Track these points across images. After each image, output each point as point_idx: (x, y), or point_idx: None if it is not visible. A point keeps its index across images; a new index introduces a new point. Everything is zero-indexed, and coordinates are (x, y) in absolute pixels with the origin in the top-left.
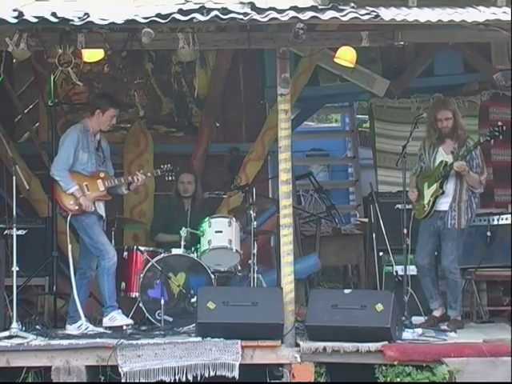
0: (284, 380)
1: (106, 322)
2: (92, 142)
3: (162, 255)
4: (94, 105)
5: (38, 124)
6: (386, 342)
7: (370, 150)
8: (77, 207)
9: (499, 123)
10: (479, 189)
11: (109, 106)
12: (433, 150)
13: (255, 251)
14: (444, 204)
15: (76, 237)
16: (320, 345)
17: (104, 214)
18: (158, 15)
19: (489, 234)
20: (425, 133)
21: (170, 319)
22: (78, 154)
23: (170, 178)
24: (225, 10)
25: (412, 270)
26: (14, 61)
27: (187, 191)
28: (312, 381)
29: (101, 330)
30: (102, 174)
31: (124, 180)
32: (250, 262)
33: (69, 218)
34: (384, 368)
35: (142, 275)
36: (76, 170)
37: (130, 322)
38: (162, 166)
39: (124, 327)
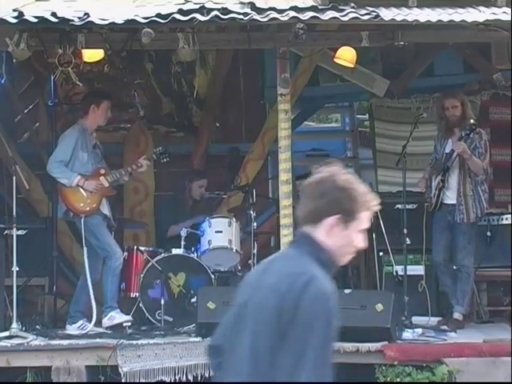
0: None
1: (106, 322)
2: (90, 142)
3: (162, 255)
4: (87, 103)
5: (37, 124)
6: (386, 342)
7: (370, 150)
8: (88, 208)
9: (471, 121)
10: (481, 175)
11: (102, 99)
12: (443, 141)
13: (255, 251)
14: (450, 197)
15: (77, 238)
16: None
17: (108, 213)
18: (158, 15)
19: (489, 234)
20: (425, 132)
21: (170, 319)
22: (77, 155)
23: (164, 160)
24: (225, 10)
25: (412, 269)
26: (14, 61)
27: (202, 194)
28: None
29: (101, 330)
30: (102, 171)
31: (124, 171)
32: (249, 262)
33: (82, 221)
34: (384, 368)
35: (142, 275)
36: (78, 172)
37: (130, 318)
38: (155, 150)
39: (124, 325)
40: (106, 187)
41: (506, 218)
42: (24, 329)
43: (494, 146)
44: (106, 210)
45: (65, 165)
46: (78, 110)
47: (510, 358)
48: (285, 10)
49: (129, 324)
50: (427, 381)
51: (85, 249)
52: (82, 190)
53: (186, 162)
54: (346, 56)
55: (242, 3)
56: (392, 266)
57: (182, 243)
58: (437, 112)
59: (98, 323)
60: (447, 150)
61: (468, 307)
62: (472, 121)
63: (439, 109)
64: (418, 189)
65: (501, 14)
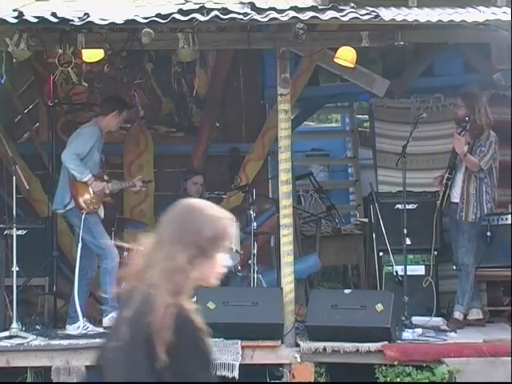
0: (284, 380)
1: (106, 321)
2: (102, 144)
3: None
4: (109, 107)
5: (37, 124)
6: (386, 342)
7: (370, 150)
8: (91, 207)
9: (466, 118)
10: (477, 172)
11: (124, 107)
12: None
13: (255, 251)
14: (456, 195)
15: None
16: (320, 345)
17: (103, 215)
18: (158, 15)
19: (489, 234)
20: (425, 132)
21: None
22: (93, 154)
23: (143, 189)
24: (225, 10)
25: (412, 269)
26: (14, 61)
27: (199, 192)
28: (312, 381)
29: (101, 330)
30: (105, 177)
31: (121, 184)
32: (249, 262)
33: (82, 217)
34: (384, 368)
35: None
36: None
37: None
38: (140, 176)
39: None
40: (105, 193)
41: (506, 218)
42: (24, 329)
43: None
44: (101, 213)
45: (80, 159)
46: (79, 110)
47: (510, 358)
48: (285, 10)
49: None
50: (427, 381)
51: (79, 245)
52: (89, 188)
53: (186, 162)
54: (345, 56)
55: (242, 3)
56: (392, 266)
57: None
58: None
59: (99, 323)
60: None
61: (468, 306)
62: (467, 118)
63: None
64: (429, 188)
65: (501, 14)
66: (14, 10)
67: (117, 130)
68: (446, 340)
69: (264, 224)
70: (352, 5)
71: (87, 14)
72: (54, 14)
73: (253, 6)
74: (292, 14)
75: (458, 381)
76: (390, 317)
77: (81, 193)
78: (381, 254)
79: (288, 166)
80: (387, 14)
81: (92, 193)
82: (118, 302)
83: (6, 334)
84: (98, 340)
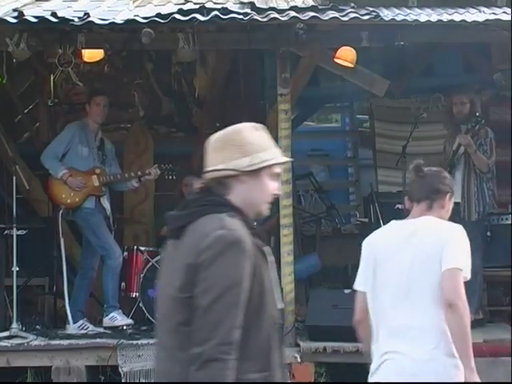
0: None
1: (106, 321)
2: (92, 139)
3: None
4: (84, 102)
5: (38, 124)
6: None
7: (370, 150)
8: (69, 201)
9: (477, 113)
10: (487, 172)
11: (92, 96)
12: (452, 140)
13: None
14: (455, 195)
15: (76, 237)
16: (320, 345)
17: (108, 209)
18: (158, 15)
19: (489, 234)
20: (425, 132)
21: None
22: (76, 149)
23: (170, 177)
24: (225, 10)
25: None
26: (14, 61)
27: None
28: (312, 381)
29: (101, 330)
30: (97, 170)
31: (120, 176)
32: None
33: (60, 213)
34: None
35: (142, 275)
36: (73, 167)
37: (131, 322)
38: (162, 166)
39: (124, 327)
40: (95, 186)
41: (506, 218)
42: (24, 329)
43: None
44: (106, 204)
45: (57, 157)
46: (79, 110)
47: (510, 358)
48: (285, 10)
49: (129, 327)
50: None
51: (61, 239)
52: (66, 184)
53: (186, 162)
54: (346, 56)
55: (242, 3)
56: None
57: None
58: (445, 109)
59: (99, 323)
60: (454, 148)
61: (479, 307)
62: (478, 113)
63: (448, 105)
64: None
65: (501, 13)
66: (14, 10)
67: (116, 130)
68: None
69: (264, 224)
70: (352, 5)
71: (87, 14)
72: (53, 14)
73: (253, 6)
74: (292, 13)
75: None
76: None
77: (57, 190)
78: None
79: (288, 166)
80: (387, 13)
81: (69, 188)
82: None
83: (6, 333)
84: (98, 340)
